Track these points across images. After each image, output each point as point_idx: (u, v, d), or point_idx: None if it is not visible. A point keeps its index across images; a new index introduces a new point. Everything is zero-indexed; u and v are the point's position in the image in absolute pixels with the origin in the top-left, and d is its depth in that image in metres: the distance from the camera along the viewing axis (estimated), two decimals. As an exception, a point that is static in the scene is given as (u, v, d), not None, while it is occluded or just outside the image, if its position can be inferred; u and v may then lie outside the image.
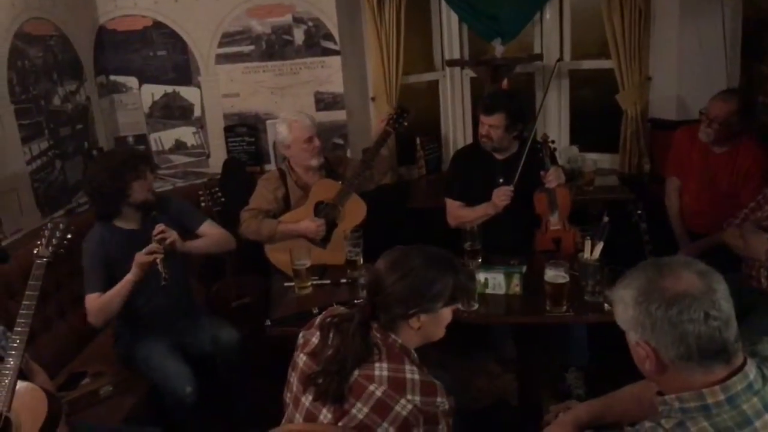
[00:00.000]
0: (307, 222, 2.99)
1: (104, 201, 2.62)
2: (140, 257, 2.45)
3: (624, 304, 1.24)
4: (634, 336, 1.24)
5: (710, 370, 1.17)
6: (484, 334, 3.14)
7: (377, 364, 1.59)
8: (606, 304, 2.29)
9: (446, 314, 1.70)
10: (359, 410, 1.56)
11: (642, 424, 1.24)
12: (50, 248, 2.14)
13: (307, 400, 1.63)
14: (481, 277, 2.46)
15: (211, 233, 2.85)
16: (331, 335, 1.68)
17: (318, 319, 1.75)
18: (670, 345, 1.17)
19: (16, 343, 1.91)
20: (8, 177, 3.00)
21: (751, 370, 1.18)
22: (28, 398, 1.84)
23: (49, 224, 2.20)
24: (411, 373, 1.58)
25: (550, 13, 4.13)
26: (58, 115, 3.44)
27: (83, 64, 3.73)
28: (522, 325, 2.56)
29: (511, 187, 2.88)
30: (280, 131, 3.10)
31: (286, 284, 2.73)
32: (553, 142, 3.07)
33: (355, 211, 3.05)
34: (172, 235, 2.55)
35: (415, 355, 1.67)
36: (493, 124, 2.98)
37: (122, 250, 2.57)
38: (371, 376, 1.57)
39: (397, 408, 1.53)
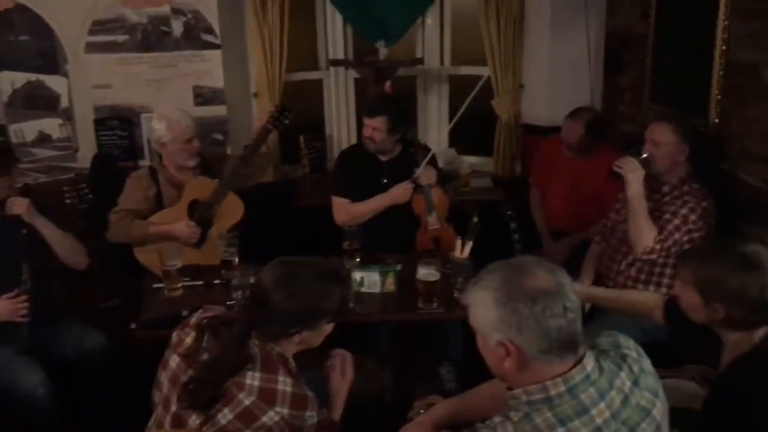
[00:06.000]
0: (181, 225, 2.84)
1: None
2: None
3: (485, 306, 1.26)
4: (496, 336, 1.24)
5: (564, 360, 1.23)
6: (362, 332, 3.16)
7: (250, 373, 1.57)
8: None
9: (328, 328, 1.71)
10: (224, 416, 1.55)
11: (492, 419, 1.29)
12: None
13: (176, 404, 1.59)
14: (357, 276, 2.48)
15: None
16: (206, 337, 1.64)
17: (194, 319, 1.70)
18: (535, 340, 1.21)
19: None
20: None
21: (589, 362, 1.26)
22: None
23: None
24: (284, 384, 1.57)
25: (431, 19, 4.23)
26: None
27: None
28: (398, 322, 2.62)
29: (411, 184, 2.96)
30: (157, 128, 2.91)
31: (155, 285, 2.62)
32: (425, 146, 3.20)
33: (231, 210, 2.95)
34: (23, 204, 2.48)
35: (293, 363, 1.65)
36: (376, 126, 3.01)
37: None
38: (242, 384, 1.56)
39: (264, 419, 1.54)
